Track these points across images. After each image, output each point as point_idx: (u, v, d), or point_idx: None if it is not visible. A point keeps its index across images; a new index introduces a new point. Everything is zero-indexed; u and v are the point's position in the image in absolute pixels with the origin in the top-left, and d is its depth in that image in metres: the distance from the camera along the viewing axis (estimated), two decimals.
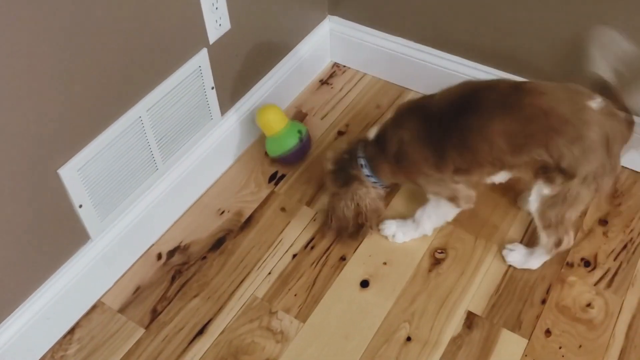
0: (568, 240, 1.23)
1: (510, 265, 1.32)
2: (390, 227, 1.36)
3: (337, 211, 1.31)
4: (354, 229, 1.33)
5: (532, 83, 1.14)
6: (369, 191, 1.29)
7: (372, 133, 1.28)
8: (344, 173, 1.30)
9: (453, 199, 1.25)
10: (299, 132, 1.47)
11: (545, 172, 1.12)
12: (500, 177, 1.22)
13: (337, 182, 1.31)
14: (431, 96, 1.21)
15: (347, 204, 1.29)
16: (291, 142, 1.46)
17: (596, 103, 1.08)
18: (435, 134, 1.16)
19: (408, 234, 1.36)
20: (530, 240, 1.34)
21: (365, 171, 1.28)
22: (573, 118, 1.07)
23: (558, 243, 1.22)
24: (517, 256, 1.31)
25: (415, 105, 1.23)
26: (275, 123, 1.45)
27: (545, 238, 1.22)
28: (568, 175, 1.10)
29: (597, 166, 1.09)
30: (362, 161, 1.28)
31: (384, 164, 1.26)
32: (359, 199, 1.29)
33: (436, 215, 1.32)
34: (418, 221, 1.33)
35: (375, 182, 1.29)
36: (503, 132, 1.10)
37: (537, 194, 1.16)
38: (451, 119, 1.14)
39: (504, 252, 1.32)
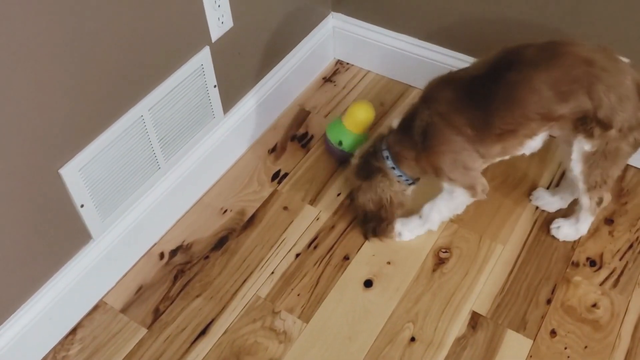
0: (608, 197, 1.25)
1: (514, 266, 1.31)
2: (395, 226, 1.35)
3: (360, 205, 1.31)
4: (377, 223, 1.31)
5: (566, 38, 1.15)
6: (392, 184, 1.27)
7: (395, 122, 1.26)
8: (367, 166, 1.28)
9: (471, 188, 1.23)
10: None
11: (583, 123, 1.13)
12: (541, 137, 1.19)
13: (360, 175, 1.30)
14: (463, 69, 1.20)
15: (370, 197, 1.28)
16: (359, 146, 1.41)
17: (625, 59, 1.12)
18: (476, 97, 1.15)
19: (414, 230, 1.35)
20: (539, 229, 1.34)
21: (389, 163, 1.26)
22: (609, 66, 1.10)
23: (600, 202, 1.24)
24: (566, 230, 1.32)
25: (448, 78, 1.21)
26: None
27: (587, 200, 1.24)
28: (605, 125, 1.11)
29: (631, 115, 1.11)
30: (385, 153, 1.26)
31: (407, 150, 1.23)
32: (381, 192, 1.27)
33: (447, 208, 1.30)
34: (426, 216, 1.32)
35: (400, 176, 1.27)
36: (549, 80, 1.11)
37: (579, 152, 1.16)
38: (493, 79, 1.13)
39: (553, 231, 1.34)
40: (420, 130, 1.19)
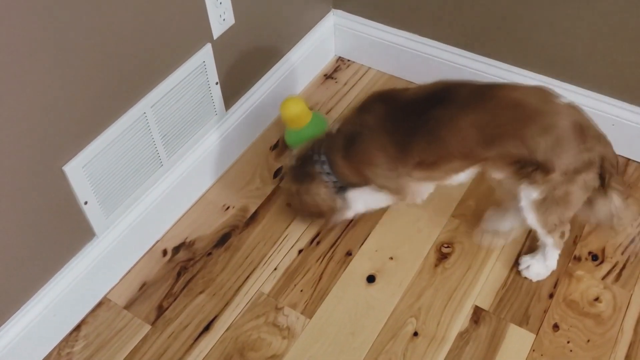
0: (568, 227, 1.22)
1: (516, 260, 1.31)
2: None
3: (296, 209, 1.34)
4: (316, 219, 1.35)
5: (505, 83, 1.15)
6: (328, 189, 1.25)
7: (335, 127, 1.25)
8: (304, 169, 1.27)
9: (398, 193, 1.23)
10: (323, 125, 1.45)
11: (522, 167, 1.10)
12: (466, 174, 1.18)
13: (296, 179, 1.29)
14: (405, 89, 1.20)
15: (306, 201, 1.28)
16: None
17: (563, 99, 1.09)
18: (402, 123, 1.14)
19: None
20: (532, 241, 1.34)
21: (326, 168, 1.24)
22: (543, 108, 1.08)
23: (563, 235, 1.22)
24: (536, 269, 1.27)
25: (387, 94, 1.21)
26: (303, 117, 1.43)
27: (550, 240, 1.21)
28: (546, 169, 1.08)
29: (574, 157, 1.07)
30: (323, 157, 1.24)
31: (339, 157, 1.22)
32: (316, 197, 1.26)
33: (372, 200, 1.29)
34: (350, 201, 1.29)
35: (335, 182, 1.25)
36: (474, 122, 1.09)
37: (527, 199, 1.13)
38: (421, 111, 1.13)
39: (523, 272, 1.28)
40: (349, 138, 1.20)
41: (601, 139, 1.11)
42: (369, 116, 1.18)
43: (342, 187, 1.27)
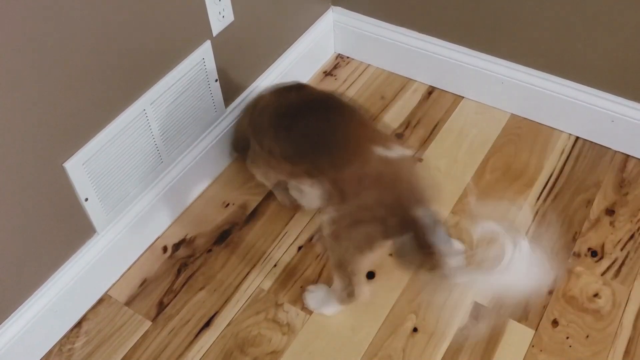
0: (360, 293, 1.15)
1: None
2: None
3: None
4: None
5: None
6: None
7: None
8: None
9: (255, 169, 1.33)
10: None
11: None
12: (308, 188, 1.16)
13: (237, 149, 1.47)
14: (295, 90, 1.23)
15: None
16: None
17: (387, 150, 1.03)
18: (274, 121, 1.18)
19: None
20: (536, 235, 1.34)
21: None
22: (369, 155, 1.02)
23: (350, 293, 1.15)
24: (313, 299, 1.24)
25: (277, 91, 1.25)
26: None
27: (335, 280, 1.16)
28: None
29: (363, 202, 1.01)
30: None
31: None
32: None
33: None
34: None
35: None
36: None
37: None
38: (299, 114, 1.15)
39: (304, 294, 1.25)
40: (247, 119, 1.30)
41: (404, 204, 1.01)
42: (254, 107, 1.27)
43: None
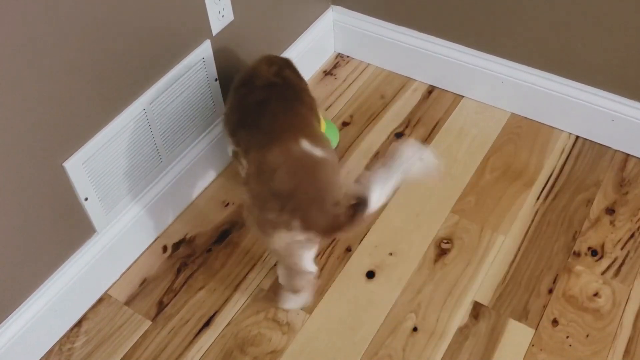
0: (305, 298, 1.18)
1: (515, 256, 1.31)
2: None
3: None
4: None
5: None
6: None
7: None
8: None
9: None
10: (335, 135, 1.47)
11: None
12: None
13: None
14: (264, 79, 1.21)
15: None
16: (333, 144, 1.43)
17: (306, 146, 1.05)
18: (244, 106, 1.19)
19: None
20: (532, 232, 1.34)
21: None
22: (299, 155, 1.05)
23: (295, 290, 1.17)
24: (281, 296, 1.24)
25: (251, 74, 1.23)
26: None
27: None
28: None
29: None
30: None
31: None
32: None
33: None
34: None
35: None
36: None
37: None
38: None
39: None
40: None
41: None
42: (234, 88, 1.24)
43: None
